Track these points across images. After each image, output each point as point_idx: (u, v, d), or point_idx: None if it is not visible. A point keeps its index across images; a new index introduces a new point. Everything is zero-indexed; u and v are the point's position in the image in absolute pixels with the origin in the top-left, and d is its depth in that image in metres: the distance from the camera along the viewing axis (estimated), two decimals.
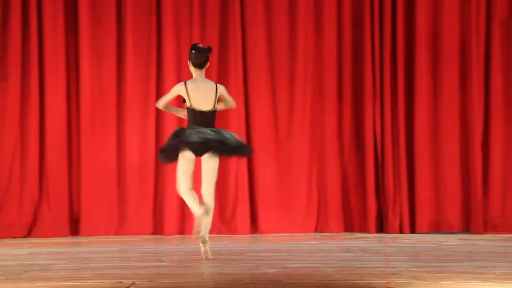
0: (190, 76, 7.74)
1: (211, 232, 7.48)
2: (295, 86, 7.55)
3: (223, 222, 7.51)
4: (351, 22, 7.51)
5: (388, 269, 5.29)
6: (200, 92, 5.73)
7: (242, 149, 5.85)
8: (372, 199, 7.43)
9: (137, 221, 7.50)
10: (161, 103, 5.94)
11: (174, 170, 7.49)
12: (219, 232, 7.48)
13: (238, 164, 7.47)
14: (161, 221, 7.52)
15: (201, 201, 5.81)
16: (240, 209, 7.50)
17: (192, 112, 5.74)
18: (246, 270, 5.39)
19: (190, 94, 5.72)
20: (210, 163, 5.72)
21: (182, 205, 7.54)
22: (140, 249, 6.58)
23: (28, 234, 7.41)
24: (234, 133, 5.91)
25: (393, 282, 4.75)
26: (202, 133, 5.69)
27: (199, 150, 5.67)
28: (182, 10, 7.49)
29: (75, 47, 7.48)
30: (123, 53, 7.49)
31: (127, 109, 7.51)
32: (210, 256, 5.74)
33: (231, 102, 5.92)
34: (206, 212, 5.74)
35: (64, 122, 7.50)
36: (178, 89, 5.79)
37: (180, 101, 5.90)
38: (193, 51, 5.77)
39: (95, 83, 7.50)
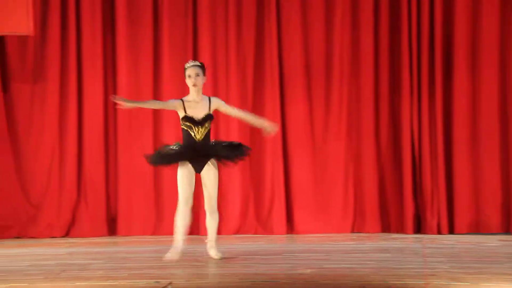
0: (223, 78, 7.71)
1: (247, 231, 7.52)
2: (331, 88, 7.51)
3: (259, 222, 7.50)
4: (388, 23, 7.44)
5: (426, 270, 5.22)
6: (196, 108, 5.72)
7: (237, 151, 5.78)
8: (410, 200, 7.35)
9: (173, 221, 7.52)
10: (154, 105, 6.11)
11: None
12: (255, 232, 7.47)
13: (274, 165, 7.46)
14: (197, 221, 7.53)
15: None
16: (276, 210, 7.48)
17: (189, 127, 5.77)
18: (282, 270, 5.37)
19: (187, 110, 5.73)
20: (210, 175, 5.73)
21: (219, 205, 7.55)
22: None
23: (67, 234, 7.49)
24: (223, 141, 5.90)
25: (431, 284, 4.69)
26: (198, 147, 5.67)
27: (197, 162, 5.66)
28: (218, 11, 7.50)
29: (112, 47, 7.54)
30: (160, 53, 7.53)
31: (163, 110, 7.54)
32: (218, 257, 5.74)
33: (238, 111, 5.92)
34: (177, 254, 5.69)
35: (102, 122, 7.57)
36: (175, 104, 5.76)
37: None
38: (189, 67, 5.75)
39: (132, 83, 7.56)
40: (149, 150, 7.51)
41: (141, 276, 5.15)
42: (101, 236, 7.43)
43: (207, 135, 5.76)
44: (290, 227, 7.51)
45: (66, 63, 7.51)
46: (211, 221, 5.89)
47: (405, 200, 7.36)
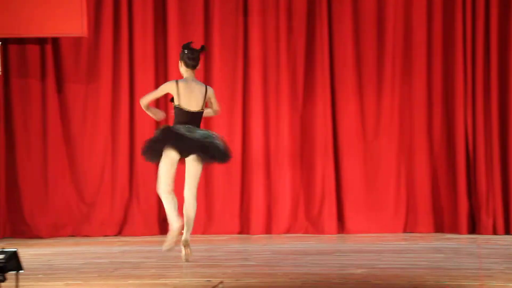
0: (273, 76, 7.66)
1: (297, 231, 7.49)
2: (383, 85, 7.43)
3: (309, 221, 7.47)
4: (442, 20, 7.32)
5: (481, 271, 5.12)
6: (191, 92, 5.64)
7: (224, 156, 5.70)
8: (464, 199, 7.22)
9: (223, 220, 7.55)
10: (146, 100, 5.82)
11: (261, 168, 7.51)
12: (306, 232, 7.44)
13: (324, 163, 7.41)
14: (247, 221, 7.54)
15: (182, 203, 5.65)
16: (327, 209, 7.43)
17: (180, 111, 5.66)
18: (334, 270, 5.33)
19: (181, 93, 5.64)
20: (194, 166, 5.63)
21: (269, 204, 7.54)
22: (227, 248, 6.62)
23: (119, 232, 7.57)
24: (218, 135, 5.78)
25: (486, 285, 4.60)
26: (191, 130, 5.58)
27: (185, 146, 5.54)
28: (269, 11, 7.49)
29: (163, 47, 7.60)
30: (210, 54, 7.55)
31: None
32: (190, 259, 5.61)
33: (217, 106, 5.82)
34: (182, 228, 5.60)
35: (153, 121, 7.62)
36: (168, 87, 5.70)
37: (167, 100, 5.84)
38: (186, 51, 5.67)
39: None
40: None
41: (193, 274, 5.17)
42: (153, 235, 7.49)
43: (199, 115, 5.63)
44: (341, 226, 7.46)
45: (118, 63, 7.59)
46: (189, 210, 5.69)
47: (459, 200, 7.23)
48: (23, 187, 7.53)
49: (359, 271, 5.21)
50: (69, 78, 7.66)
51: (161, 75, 7.62)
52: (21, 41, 7.53)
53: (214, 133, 5.82)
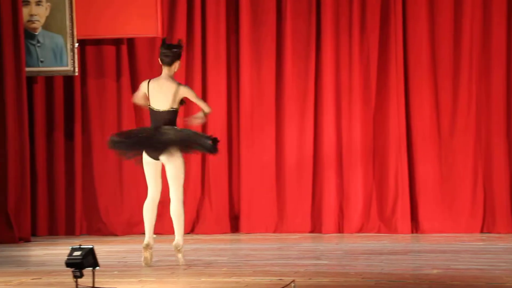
0: (346, 74, 7.57)
1: (369, 230, 7.39)
2: (459, 81, 7.27)
3: (382, 220, 7.36)
4: None
5: None
6: (159, 91, 5.39)
7: (200, 143, 5.40)
8: None
9: (295, 219, 7.53)
10: (134, 99, 5.65)
11: (333, 166, 7.43)
12: (379, 231, 7.34)
13: (398, 161, 7.30)
14: (319, 220, 7.50)
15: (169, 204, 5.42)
16: (400, 208, 7.32)
17: (150, 111, 5.45)
18: (408, 270, 5.24)
19: (150, 93, 5.43)
20: (169, 165, 5.40)
21: (341, 203, 7.48)
22: (298, 247, 6.60)
23: (192, 230, 7.65)
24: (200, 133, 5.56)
25: None
26: (145, 130, 5.37)
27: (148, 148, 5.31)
28: (342, 8, 7.42)
29: (236, 47, 7.63)
30: (282, 54, 7.54)
31: (285, 109, 7.56)
32: (182, 263, 5.40)
33: (204, 106, 5.51)
34: (147, 246, 5.35)
35: (225, 121, 7.68)
36: (142, 86, 5.51)
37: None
38: (161, 47, 5.43)
39: (255, 82, 7.62)
40: (271, 149, 7.58)
41: (265, 273, 5.17)
42: (224, 233, 7.54)
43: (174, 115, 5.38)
44: (415, 226, 7.33)
45: (191, 63, 7.67)
46: (173, 212, 5.52)
47: None
48: (99, 186, 7.69)
49: (434, 271, 5.10)
50: (144, 78, 7.74)
51: (233, 75, 7.66)
52: (98, 42, 7.70)
53: (185, 129, 5.56)
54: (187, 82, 7.68)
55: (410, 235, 7.23)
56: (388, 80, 7.38)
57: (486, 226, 7.21)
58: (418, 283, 4.71)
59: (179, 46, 5.51)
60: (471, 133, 7.24)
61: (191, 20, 7.63)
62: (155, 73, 7.76)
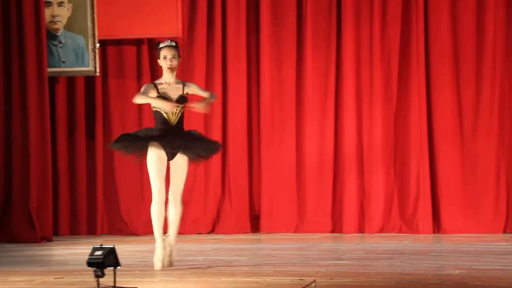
0: (367, 72, 7.51)
1: (391, 230, 7.35)
2: (482, 81, 7.22)
3: (403, 220, 7.32)
4: None
5: None
6: (169, 93, 5.36)
7: (210, 148, 5.41)
8: None
9: (316, 219, 7.51)
10: (137, 100, 5.51)
11: (354, 166, 7.40)
12: (400, 231, 7.30)
13: (419, 160, 7.25)
14: (340, 219, 7.47)
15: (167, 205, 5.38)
16: (421, 208, 7.27)
17: (158, 113, 5.37)
18: (429, 270, 5.20)
19: (161, 94, 5.39)
20: (180, 166, 5.35)
21: (362, 203, 7.45)
22: (319, 247, 6.58)
23: (212, 230, 7.66)
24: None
25: None
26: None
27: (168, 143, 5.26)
28: (363, 5, 7.39)
29: (256, 47, 7.63)
30: (303, 54, 7.53)
31: (306, 108, 7.54)
32: (165, 265, 5.33)
33: (207, 94, 5.44)
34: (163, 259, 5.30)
35: (245, 120, 7.67)
36: (148, 88, 5.39)
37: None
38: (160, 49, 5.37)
39: (275, 81, 7.61)
40: (291, 148, 7.58)
41: (286, 273, 5.16)
42: (245, 233, 7.54)
43: (181, 119, 5.37)
44: (437, 226, 7.28)
45: (212, 62, 7.68)
46: (174, 213, 5.44)
47: None
48: (120, 186, 7.72)
49: (456, 271, 5.06)
50: None
51: (254, 74, 7.66)
52: (119, 43, 7.74)
53: (193, 132, 5.55)
54: (207, 82, 7.69)
55: (432, 235, 7.18)
56: (409, 79, 7.34)
57: (509, 227, 7.14)
58: (440, 283, 4.67)
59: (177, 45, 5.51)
60: (494, 133, 7.17)
61: (212, 19, 7.64)
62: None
